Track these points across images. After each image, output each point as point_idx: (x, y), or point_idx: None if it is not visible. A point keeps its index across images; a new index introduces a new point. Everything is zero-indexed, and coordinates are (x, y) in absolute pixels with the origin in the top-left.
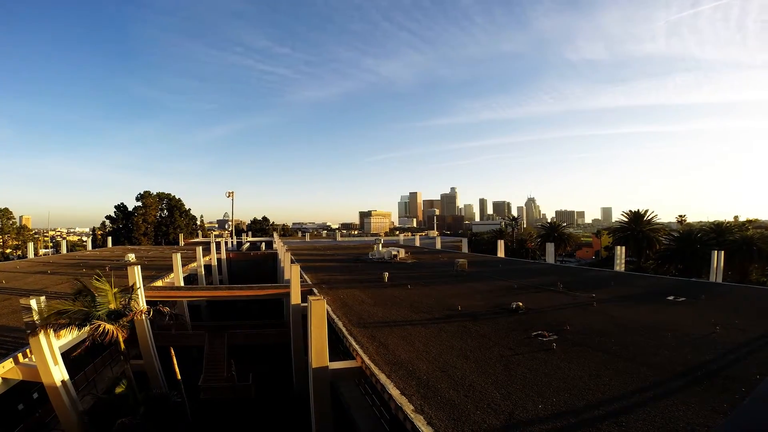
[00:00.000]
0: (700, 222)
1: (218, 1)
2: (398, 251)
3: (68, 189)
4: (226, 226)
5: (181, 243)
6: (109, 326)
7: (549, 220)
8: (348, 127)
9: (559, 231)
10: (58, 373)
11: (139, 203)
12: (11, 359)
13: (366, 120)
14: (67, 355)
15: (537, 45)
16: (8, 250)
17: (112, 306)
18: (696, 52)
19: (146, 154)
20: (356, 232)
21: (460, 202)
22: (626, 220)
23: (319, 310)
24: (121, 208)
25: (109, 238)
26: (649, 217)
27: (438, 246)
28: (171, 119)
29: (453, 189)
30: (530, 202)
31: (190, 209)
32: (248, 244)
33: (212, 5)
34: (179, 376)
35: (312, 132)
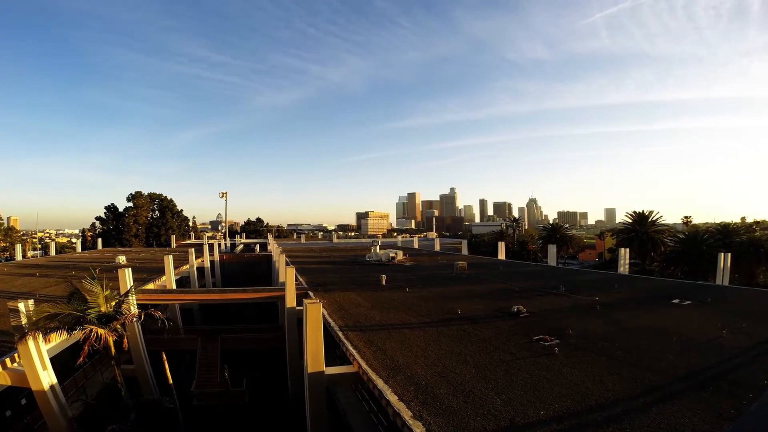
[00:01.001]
0: (707, 223)
1: (151, 18)
2: (396, 253)
3: (57, 190)
4: (220, 228)
5: (173, 245)
6: (99, 330)
7: (551, 222)
8: (307, 130)
9: (562, 232)
10: (47, 379)
11: (130, 204)
12: None
13: (324, 124)
14: (56, 360)
15: (475, 47)
16: None
17: (103, 309)
18: (646, 46)
19: (131, 155)
20: (353, 234)
21: (460, 203)
22: (630, 221)
23: (315, 313)
24: (111, 209)
25: (99, 240)
26: (654, 218)
27: (437, 248)
28: (143, 123)
29: (452, 189)
30: (531, 202)
31: (182, 210)
32: (242, 245)
33: (147, 21)
34: (171, 382)
35: (285, 133)
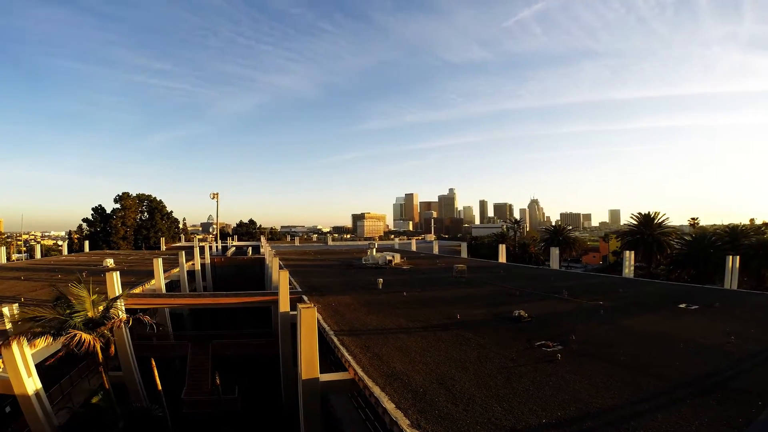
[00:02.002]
0: (714, 225)
1: (90, 34)
2: (393, 256)
3: (42, 191)
4: (211, 230)
5: (163, 247)
6: (86, 336)
7: (553, 223)
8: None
9: (564, 234)
10: (32, 385)
11: (118, 205)
12: None
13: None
14: (42, 366)
15: (410, 51)
16: None
17: (90, 314)
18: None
19: (109, 157)
20: (349, 236)
21: (459, 204)
22: (635, 223)
23: (309, 318)
24: (98, 210)
25: (86, 243)
26: (660, 220)
27: (435, 250)
28: (113, 127)
29: (451, 190)
30: (533, 204)
31: (172, 212)
32: (234, 248)
33: (88, 36)
34: (161, 389)
35: (262, 136)
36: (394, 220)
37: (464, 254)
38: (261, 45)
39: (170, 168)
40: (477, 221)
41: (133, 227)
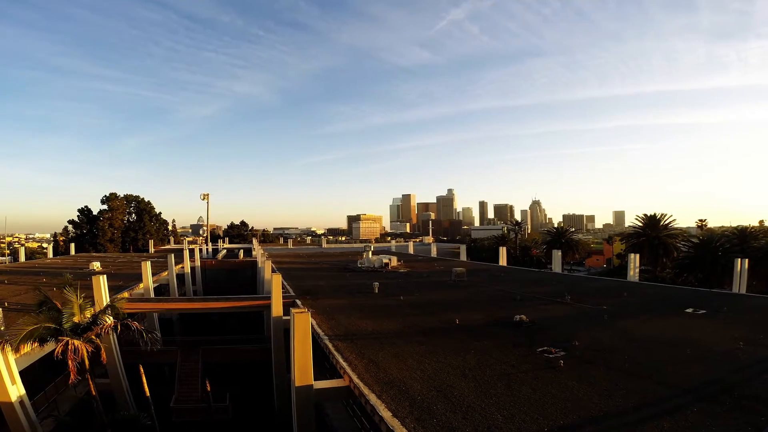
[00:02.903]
0: (722, 227)
1: (38, 47)
2: (390, 259)
3: (25, 192)
4: (201, 232)
5: (151, 250)
6: (76, 342)
7: (555, 225)
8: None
9: (567, 237)
10: (16, 393)
11: (105, 206)
12: None
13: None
14: (26, 374)
15: (356, 57)
16: None
17: (77, 319)
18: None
19: (87, 160)
20: (344, 238)
21: (458, 205)
22: (641, 224)
23: (303, 323)
24: (85, 212)
25: (72, 245)
26: (666, 222)
27: (434, 253)
28: (84, 131)
29: (450, 191)
30: (535, 205)
31: (160, 213)
32: (225, 251)
33: (37, 48)
34: (149, 396)
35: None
36: (390, 221)
37: (463, 257)
38: (203, 52)
39: (154, 170)
40: (476, 223)
41: (120, 229)
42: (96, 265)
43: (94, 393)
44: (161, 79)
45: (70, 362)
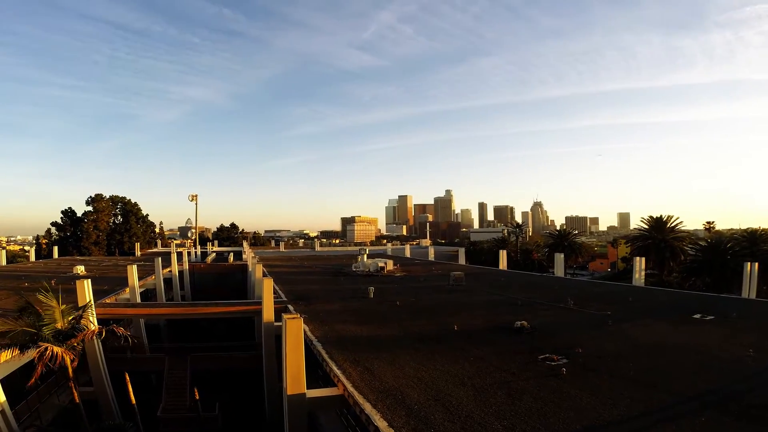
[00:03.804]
0: (731, 229)
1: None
2: (385, 263)
3: (6, 194)
4: (189, 235)
5: (138, 253)
6: (56, 349)
7: (558, 228)
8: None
9: (570, 240)
10: None
11: (90, 208)
12: None
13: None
14: (6, 382)
15: (303, 66)
16: None
17: (59, 325)
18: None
19: (66, 161)
20: (338, 241)
21: (457, 207)
22: (646, 227)
23: (296, 329)
24: (68, 213)
25: (55, 248)
26: (673, 224)
27: (431, 257)
28: (55, 133)
29: (448, 192)
30: (536, 206)
31: (147, 215)
32: (214, 254)
33: None
34: (135, 405)
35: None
36: (386, 223)
37: (462, 260)
38: (143, 59)
39: (135, 171)
40: (476, 225)
41: (105, 231)
42: (80, 269)
43: (78, 401)
44: (113, 84)
45: (39, 367)
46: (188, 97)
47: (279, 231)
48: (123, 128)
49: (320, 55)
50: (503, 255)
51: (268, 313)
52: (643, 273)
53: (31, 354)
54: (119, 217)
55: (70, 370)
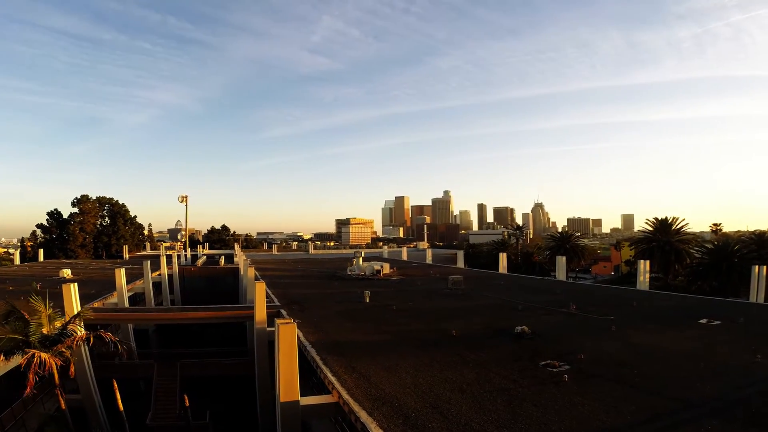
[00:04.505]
0: (739, 231)
1: None
2: (382, 266)
3: None
4: (179, 237)
5: (126, 256)
6: (43, 355)
7: (560, 230)
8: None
9: (572, 242)
10: None
11: (76, 209)
12: None
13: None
14: None
15: (262, 71)
16: None
17: (45, 330)
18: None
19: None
20: (332, 244)
21: (455, 208)
22: (651, 229)
23: (289, 335)
24: (54, 215)
25: (41, 251)
26: (678, 226)
27: (429, 260)
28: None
29: (446, 193)
30: (537, 208)
31: (135, 216)
32: (205, 257)
33: None
34: (123, 413)
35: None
36: (382, 225)
37: (461, 264)
38: (102, 65)
39: (122, 172)
40: (475, 227)
41: (92, 234)
42: (66, 273)
43: (64, 409)
44: (76, 89)
45: (30, 375)
46: (155, 101)
47: (272, 233)
48: (97, 131)
49: (275, 60)
50: (503, 258)
51: (260, 318)
52: (647, 276)
53: (17, 360)
54: (106, 218)
55: (57, 376)
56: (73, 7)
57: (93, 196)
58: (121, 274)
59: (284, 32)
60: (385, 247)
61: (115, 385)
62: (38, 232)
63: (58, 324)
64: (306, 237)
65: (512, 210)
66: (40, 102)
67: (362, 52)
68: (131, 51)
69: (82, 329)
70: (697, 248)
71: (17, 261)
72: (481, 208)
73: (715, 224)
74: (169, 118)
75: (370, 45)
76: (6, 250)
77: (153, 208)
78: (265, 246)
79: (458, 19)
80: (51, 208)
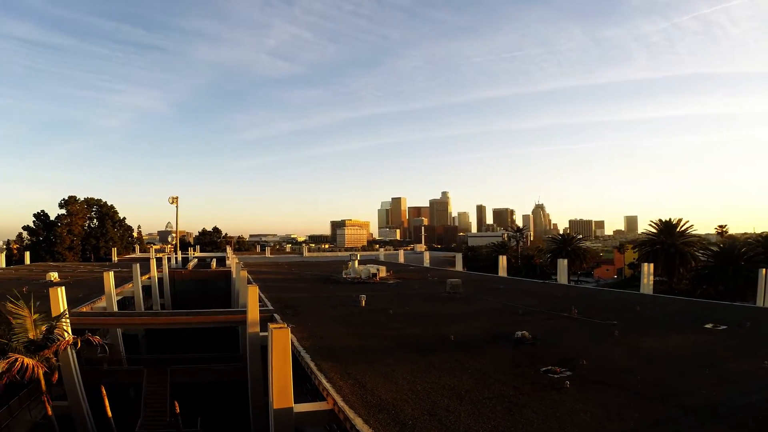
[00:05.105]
0: (745, 233)
1: None
2: (378, 269)
3: None
4: (169, 239)
5: (115, 259)
6: (27, 360)
7: (561, 232)
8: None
9: (574, 244)
10: None
11: (63, 211)
12: None
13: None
14: None
15: (226, 75)
16: None
17: (31, 335)
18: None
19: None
20: (327, 246)
21: (453, 210)
22: (655, 231)
23: (282, 340)
24: (41, 217)
25: (27, 253)
26: (683, 228)
27: (426, 263)
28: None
29: (444, 194)
30: (538, 209)
31: (125, 218)
32: (196, 260)
33: None
34: (112, 421)
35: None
36: (379, 227)
37: (459, 267)
38: (64, 70)
39: (109, 173)
40: (474, 229)
41: (80, 236)
42: (53, 276)
43: (51, 415)
44: (41, 92)
45: (4, 380)
46: (126, 104)
47: (265, 235)
48: (75, 134)
49: (237, 64)
50: (503, 261)
51: (253, 322)
52: (651, 280)
53: (1, 367)
54: (95, 220)
55: (43, 383)
56: (24, 14)
57: (83, 197)
58: (109, 278)
59: (239, 37)
60: (382, 249)
61: (104, 392)
62: (24, 234)
63: (44, 329)
64: (300, 239)
65: (512, 211)
66: (6, 104)
67: (320, 55)
68: (92, 56)
69: (70, 334)
70: (702, 251)
71: (2, 264)
72: (480, 210)
73: (721, 226)
74: (144, 122)
75: (326, 47)
76: None
77: (143, 210)
78: (258, 248)
79: (408, 20)
80: (35, 210)
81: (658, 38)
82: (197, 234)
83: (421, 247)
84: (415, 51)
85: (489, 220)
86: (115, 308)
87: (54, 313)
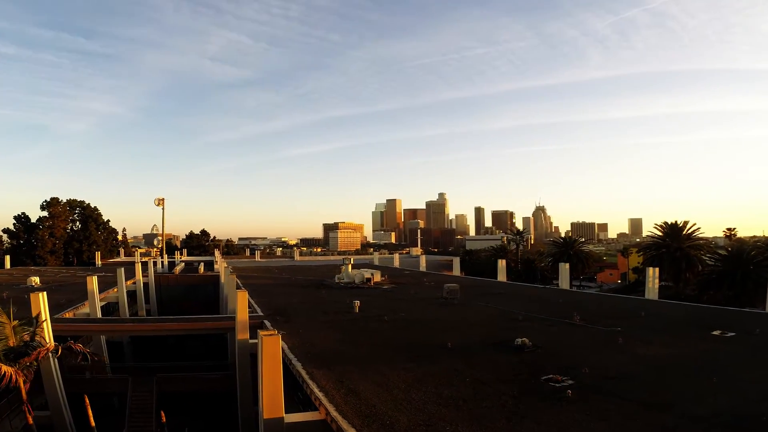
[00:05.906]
0: (754, 237)
1: None
2: (372, 273)
3: None
4: (155, 242)
5: (99, 263)
6: (6, 368)
7: (563, 235)
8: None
9: (576, 248)
10: None
11: (45, 213)
12: None
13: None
14: None
15: (181, 80)
16: None
17: (11, 343)
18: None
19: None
20: (319, 250)
21: (451, 212)
22: (660, 234)
23: (273, 347)
24: (21, 219)
25: (7, 257)
26: (690, 231)
27: (422, 267)
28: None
29: (441, 195)
30: (539, 211)
31: (109, 221)
32: (183, 264)
33: None
34: (95, 430)
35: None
36: (373, 230)
37: (457, 271)
38: (14, 77)
39: (94, 173)
40: (472, 232)
41: (63, 239)
42: (35, 280)
43: (31, 424)
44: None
45: None
46: (87, 109)
47: (254, 239)
48: (43, 137)
49: (185, 70)
50: (502, 265)
51: (242, 329)
52: (656, 285)
53: None
54: (78, 223)
55: (24, 391)
56: None
57: (65, 198)
58: (93, 282)
59: (181, 43)
60: (376, 253)
61: (87, 401)
62: (4, 237)
63: (26, 338)
64: (291, 243)
65: (512, 214)
66: None
67: (263, 59)
68: (39, 64)
69: (51, 341)
70: (709, 255)
71: None
72: (479, 212)
73: (729, 229)
74: (108, 126)
75: (267, 50)
76: None
77: (127, 213)
78: (248, 252)
79: (341, 22)
80: (14, 213)
81: (650, 33)
82: (184, 237)
83: (417, 250)
84: (356, 51)
85: (488, 222)
86: (99, 314)
87: (35, 320)
